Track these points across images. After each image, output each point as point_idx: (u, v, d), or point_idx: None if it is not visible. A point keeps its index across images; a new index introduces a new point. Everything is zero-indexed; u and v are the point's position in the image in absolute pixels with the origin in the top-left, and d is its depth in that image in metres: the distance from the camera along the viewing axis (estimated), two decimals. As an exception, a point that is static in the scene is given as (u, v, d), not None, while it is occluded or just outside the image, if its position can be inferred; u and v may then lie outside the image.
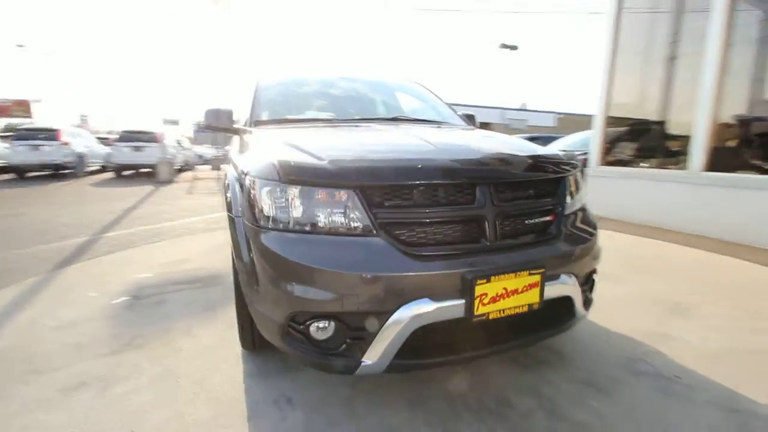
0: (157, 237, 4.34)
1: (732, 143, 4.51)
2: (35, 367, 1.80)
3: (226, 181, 1.95)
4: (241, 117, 2.58)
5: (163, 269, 3.16)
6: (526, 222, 1.46)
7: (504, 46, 25.31)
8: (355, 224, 1.29)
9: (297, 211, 1.32)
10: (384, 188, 1.31)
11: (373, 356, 1.24)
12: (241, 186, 1.56)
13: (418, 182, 1.33)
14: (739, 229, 3.91)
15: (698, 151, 4.24)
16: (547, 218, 1.52)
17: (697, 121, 4.25)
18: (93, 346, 1.98)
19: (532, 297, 1.35)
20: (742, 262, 3.33)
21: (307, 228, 1.31)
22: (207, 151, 26.70)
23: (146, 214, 5.76)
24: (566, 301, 1.48)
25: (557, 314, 1.51)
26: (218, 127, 2.39)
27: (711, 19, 4.11)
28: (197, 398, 1.56)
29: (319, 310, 1.26)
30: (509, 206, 1.41)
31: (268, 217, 1.36)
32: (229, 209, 1.66)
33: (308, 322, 1.28)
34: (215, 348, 1.94)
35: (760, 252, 3.57)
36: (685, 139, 4.86)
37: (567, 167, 1.64)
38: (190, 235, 4.43)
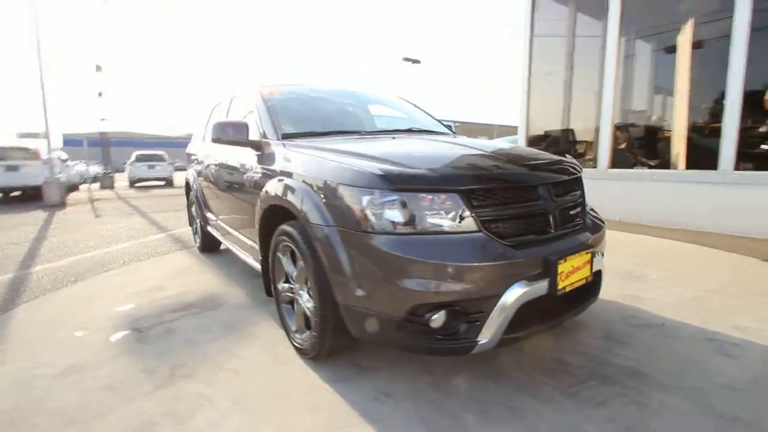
0: (101, 266, 3.81)
1: (622, 145, 5.67)
2: (70, 418, 1.57)
3: (270, 191, 1.95)
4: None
5: (142, 299, 2.85)
6: (570, 213, 1.80)
7: (407, 59, 26.93)
8: (461, 223, 1.47)
9: (406, 215, 1.45)
10: (480, 191, 1.52)
11: (487, 335, 1.44)
12: (325, 195, 1.61)
13: (503, 185, 1.58)
14: (637, 214, 4.95)
15: (604, 152, 5.25)
16: (579, 209, 1.88)
17: (601, 129, 5.26)
18: (128, 385, 1.78)
19: (587, 272, 1.68)
20: (647, 237, 4.27)
21: (418, 229, 1.45)
22: (93, 168, 23.35)
23: (64, 243, 4.94)
24: (597, 275, 1.86)
25: (592, 286, 1.87)
26: (235, 140, 2.31)
27: (607, 46, 5.14)
28: (296, 409, 1.56)
29: (440, 300, 1.41)
30: (560, 201, 1.74)
31: (375, 223, 1.46)
32: (309, 217, 1.66)
33: (428, 313, 1.42)
34: (274, 364, 1.91)
35: (655, 229, 4.61)
36: (589, 144, 5.93)
37: (580, 168, 2.05)
38: (138, 262, 3.98)
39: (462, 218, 1.47)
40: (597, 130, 5.46)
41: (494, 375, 1.73)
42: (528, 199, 1.62)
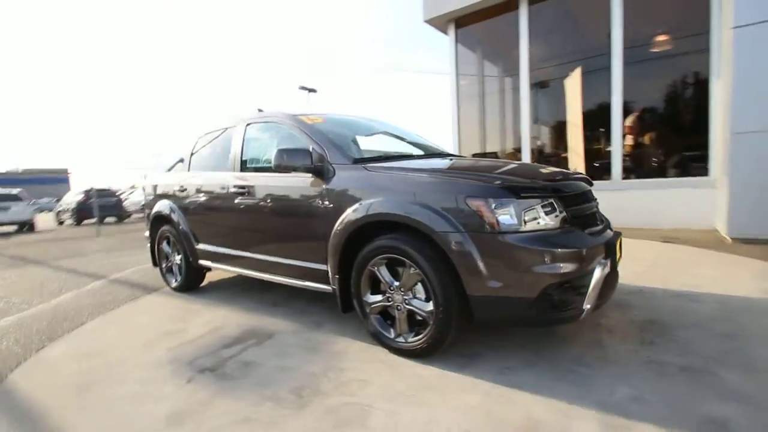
0: (67, 321, 3.23)
1: (534, 164, 6.96)
2: None
3: (364, 210, 2.15)
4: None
5: (170, 344, 2.59)
6: (597, 212, 2.42)
7: (303, 88, 27.31)
8: (562, 220, 1.93)
9: (527, 216, 1.86)
10: (564, 196, 2.01)
11: (589, 303, 1.90)
12: (450, 207, 1.91)
13: (572, 192, 2.10)
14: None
15: (526, 170, 6.41)
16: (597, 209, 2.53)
17: (523, 153, 6.43)
18: (266, 414, 1.75)
19: (620, 253, 2.30)
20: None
21: (536, 226, 1.86)
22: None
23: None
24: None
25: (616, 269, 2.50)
26: (302, 166, 2.40)
27: (521, 87, 6.36)
28: (450, 394, 1.78)
29: (564, 279, 1.83)
30: (595, 203, 2.34)
31: (505, 225, 1.83)
32: (434, 227, 1.92)
33: (554, 290, 1.82)
34: (388, 367, 2.06)
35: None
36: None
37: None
38: (112, 310, 3.47)
39: (561, 216, 1.94)
40: (515, 153, 6.63)
41: (562, 342, 2.21)
42: (584, 201, 2.18)
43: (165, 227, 3.85)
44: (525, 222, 1.85)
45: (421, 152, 3.17)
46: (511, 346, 2.20)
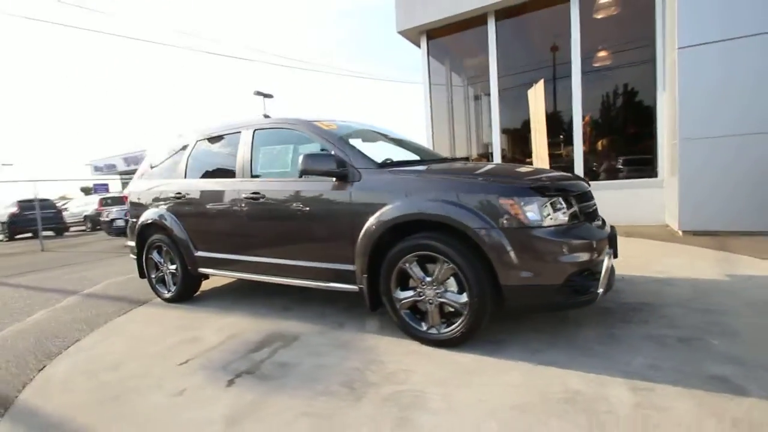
0: (58, 339, 3.02)
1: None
2: None
3: (395, 212, 2.28)
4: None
5: (192, 353, 2.55)
6: (595, 209, 2.73)
7: (258, 93, 26.68)
8: (572, 216, 2.18)
9: (551, 212, 2.09)
10: (575, 195, 2.28)
11: (602, 287, 2.16)
12: (483, 206, 2.10)
13: (580, 191, 2.37)
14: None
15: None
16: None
17: (494, 158, 6.84)
18: (326, 408, 1.81)
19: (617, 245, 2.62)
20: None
21: (558, 221, 2.10)
22: None
23: None
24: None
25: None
26: (328, 171, 2.48)
27: (492, 99, 6.78)
28: (497, 374, 1.95)
29: (584, 266, 2.08)
30: (594, 201, 2.65)
31: (533, 220, 2.04)
32: (470, 224, 2.09)
33: (576, 277, 2.06)
34: (425, 357, 2.19)
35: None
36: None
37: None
38: (105, 325, 3.29)
39: (570, 212, 2.19)
40: (487, 157, 7.04)
41: (572, 325, 2.48)
42: (587, 200, 2.47)
43: (156, 236, 3.71)
44: (545, 217, 2.09)
45: (422, 157, 3.34)
46: (529, 331, 2.42)
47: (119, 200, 17.06)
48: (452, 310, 2.27)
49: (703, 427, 1.48)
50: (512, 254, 2.05)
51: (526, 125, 6.96)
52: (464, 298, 2.18)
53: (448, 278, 2.24)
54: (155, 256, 3.78)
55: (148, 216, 3.75)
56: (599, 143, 6.92)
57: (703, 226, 4.59)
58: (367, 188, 2.48)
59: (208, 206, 3.32)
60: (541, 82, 6.53)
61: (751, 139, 4.19)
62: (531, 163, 7.03)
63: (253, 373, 2.19)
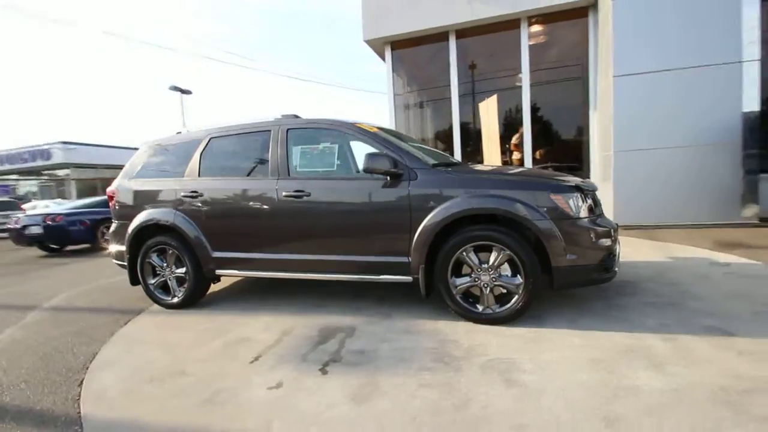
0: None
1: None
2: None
3: (457, 207, 2.58)
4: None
5: (252, 353, 2.52)
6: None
7: (175, 88, 24.47)
8: (589, 209, 2.68)
9: (587, 205, 2.57)
10: (592, 193, 2.80)
11: (617, 266, 2.70)
12: (537, 200, 2.49)
13: (593, 189, 2.91)
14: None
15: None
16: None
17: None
18: (435, 374, 2.02)
19: (609, 232, 3.24)
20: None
21: (587, 213, 2.58)
22: None
23: None
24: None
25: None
26: (384, 170, 2.66)
27: (453, 103, 7.38)
28: (559, 342, 2.34)
29: (612, 250, 2.58)
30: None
31: (576, 212, 2.50)
32: (528, 216, 2.47)
33: (607, 258, 2.56)
34: (486, 332, 2.50)
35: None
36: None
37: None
38: (115, 335, 3.00)
39: (588, 206, 2.70)
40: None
41: (583, 300, 3.02)
42: (596, 197, 3.03)
43: (159, 238, 3.45)
44: (581, 210, 2.57)
45: (441, 160, 3.66)
46: (554, 307, 2.88)
47: (10, 205, 14.40)
48: (504, 291, 2.63)
49: (723, 357, 2.04)
50: (562, 240, 2.48)
51: (479, 132, 7.72)
52: (518, 280, 2.55)
53: (503, 264, 2.59)
54: (155, 259, 3.51)
55: (148, 217, 3.46)
56: (537, 153, 7.95)
57: (633, 221, 5.66)
58: (425, 186, 2.72)
59: (232, 205, 3.23)
60: (495, 97, 7.34)
61: (672, 152, 5.34)
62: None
63: (339, 361, 2.29)
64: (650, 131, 5.43)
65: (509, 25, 6.90)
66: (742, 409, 1.63)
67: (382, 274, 2.87)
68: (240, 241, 3.25)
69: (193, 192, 3.33)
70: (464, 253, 2.64)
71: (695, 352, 2.11)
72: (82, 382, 2.28)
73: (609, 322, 2.58)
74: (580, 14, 6.57)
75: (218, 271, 3.34)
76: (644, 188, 5.49)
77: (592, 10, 6.40)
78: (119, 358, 2.58)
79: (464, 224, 2.67)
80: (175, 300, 3.47)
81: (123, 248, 3.65)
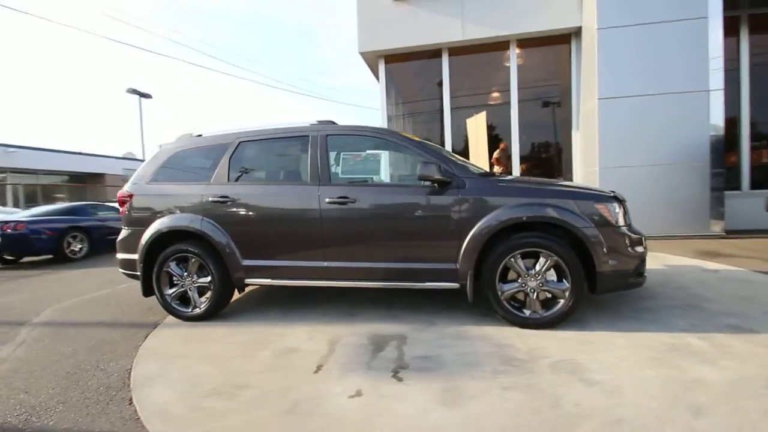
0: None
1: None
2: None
3: (510, 214, 2.69)
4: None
5: (311, 360, 2.45)
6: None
7: (134, 91, 23.12)
8: (625, 218, 2.90)
9: (622, 213, 2.76)
10: (623, 202, 3.02)
11: (645, 272, 2.92)
12: (583, 209, 2.65)
13: (623, 200, 3.14)
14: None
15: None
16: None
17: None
18: (509, 376, 2.07)
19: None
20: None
21: (626, 222, 2.79)
22: None
23: None
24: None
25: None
26: (436, 178, 2.72)
27: (445, 117, 7.62)
28: (631, 341, 2.48)
29: (644, 256, 2.79)
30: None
31: (616, 220, 2.69)
32: (576, 224, 2.62)
33: (640, 264, 2.76)
34: (538, 336, 2.60)
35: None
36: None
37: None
38: (140, 345, 2.78)
39: (626, 215, 2.92)
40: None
41: (608, 304, 3.22)
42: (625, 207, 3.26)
43: (180, 246, 3.26)
44: (624, 217, 2.77)
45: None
46: (591, 311, 3.04)
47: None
48: (548, 296, 2.75)
49: (759, 351, 2.26)
50: (605, 247, 2.65)
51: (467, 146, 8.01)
52: (565, 285, 2.68)
53: (549, 270, 2.72)
54: (173, 268, 3.30)
55: (170, 223, 3.27)
56: (521, 167, 8.37)
57: (618, 233, 6.11)
58: (474, 194, 2.81)
59: (268, 211, 3.14)
60: (483, 114, 7.67)
61: (652, 169, 5.85)
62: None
63: (407, 368, 2.28)
64: (633, 150, 5.93)
65: (499, 46, 7.30)
66: None
67: (428, 281, 2.90)
68: (275, 249, 3.15)
69: (223, 197, 3.20)
70: (512, 260, 2.74)
71: (733, 348, 2.33)
72: (131, 400, 2.10)
73: (644, 323, 2.77)
74: (563, 40, 7.10)
75: (248, 280, 3.21)
76: (629, 203, 5.95)
77: (574, 37, 6.93)
78: (162, 373, 2.40)
79: (509, 232, 2.78)
80: (197, 311, 3.28)
81: (133, 257, 3.41)
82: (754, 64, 6.52)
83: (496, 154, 7.99)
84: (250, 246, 3.18)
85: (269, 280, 3.19)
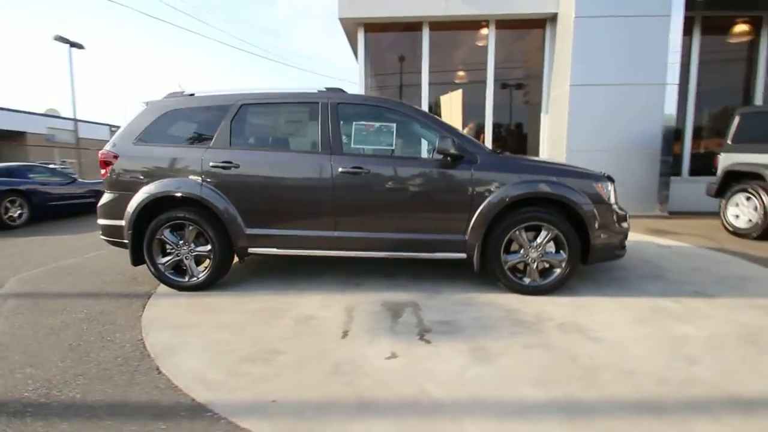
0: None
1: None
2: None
3: (521, 190, 2.86)
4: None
5: (335, 326, 2.49)
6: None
7: (62, 39, 20.31)
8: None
9: (613, 193, 3.04)
10: (612, 183, 3.31)
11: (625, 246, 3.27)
12: (583, 188, 2.88)
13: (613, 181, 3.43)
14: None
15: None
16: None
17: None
18: (515, 338, 2.27)
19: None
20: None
21: (616, 199, 3.07)
22: None
23: None
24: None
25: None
26: (452, 153, 2.80)
27: (422, 92, 7.63)
28: (625, 304, 2.78)
29: (627, 232, 3.11)
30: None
31: (609, 199, 2.96)
32: (577, 201, 2.85)
33: (624, 238, 3.08)
34: (548, 301, 2.84)
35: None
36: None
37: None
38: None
39: (615, 195, 3.22)
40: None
41: (595, 273, 3.57)
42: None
43: (175, 212, 3.08)
44: (611, 197, 3.05)
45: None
46: (577, 279, 3.35)
47: None
48: (546, 266, 3.00)
49: (721, 312, 2.66)
50: (599, 222, 2.92)
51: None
52: (562, 255, 2.94)
53: (549, 242, 2.95)
54: (168, 236, 3.13)
55: (165, 188, 3.07)
56: (492, 146, 8.69)
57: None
58: (485, 169, 2.93)
59: (275, 179, 3.05)
60: (459, 92, 7.79)
61: (616, 154, 6.36)
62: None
63: (431, 331, 2.41)
64: (599, 136, 6.40)
65: (479, 25, 7.38)
66: (760, 344, 2.21)
67: (439, 251, 3.02)
68: (282, 217, 3.09)
69: (226, 163, 3.05)
70: (517, 232, 2.93)
71: (701, 310, 2.71)
72: (158, 369, 2.03)
73: (624, 289, 3.12)
74: (539, 25, 7.33)
75: (251, 249, 3.13)
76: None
77: (550, 23, 7.19)
78: (181, 342, 2.32)
79: (514, 207, 2.96)
80: (194, 281, 3.16)
81: (119, 223, 3.18)
82: (702, 62, 7.21)
83: (464, 131, 8.23)
84: (254, 214, 3.08)
85: (274, 249, 3.14)
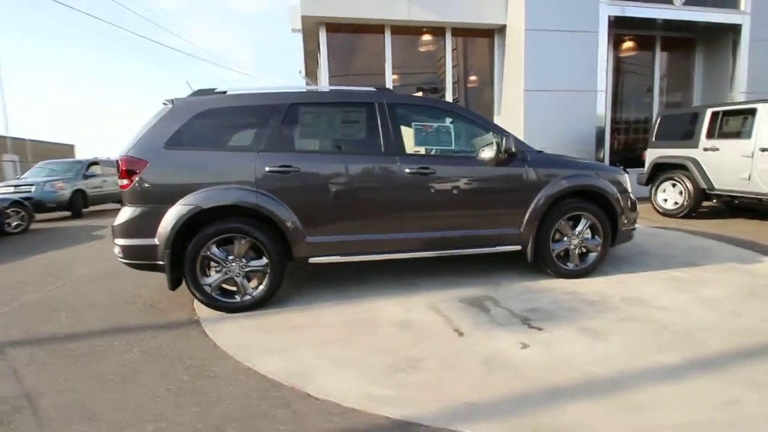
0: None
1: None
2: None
3: (573, 182, 3.20)
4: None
5: (433, 327, 2.50)
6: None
7: None
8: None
9: (629, 183, 3.56)
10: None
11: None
12: (612, 180, 3.32)
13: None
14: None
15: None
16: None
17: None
18: (602, 315, 2.58)
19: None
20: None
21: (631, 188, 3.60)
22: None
23: None
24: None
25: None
26: (512, 152, 3.00)
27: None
28: (657, 277, 3.24)
29: (638, 214, 3.66)
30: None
31: (628, 188, 3.46)
32: (609, 191, 3.27)
33: (635, 222, 3.62)
34: (594, 282, 3.20)
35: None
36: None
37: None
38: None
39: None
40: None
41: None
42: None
43: (225, 225, 2.75)
44: (629, 187, 3.56)
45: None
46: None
47: None
48: (583, 251, 3.39)
49: (714, 276, 3.32)
50: (624, 209, 3.40)
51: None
52: (598, 240, 3.36)
53: (587, 229, 3.34)
54: (215, 252, 2.77)
55: (213, 197, 2.71)
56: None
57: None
58: (536, 166, 3.20)
59: (340, 183, 2.91)
60: (420, 94, 8.10)
61: (568, 150, 7.25)
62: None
63: (531, 320, 2.58)
64: (550, 135, 7.22)
65: (437, 31, 7.76)
66: (762, 298, 2.84)
67: (498, 245, 3.21)
68: (347, 223, 2.96)
69: (284, 167, 2.81)
70: (563, 222, 3.27)
71: (704, 276, 3.35)
72: (309, 394, 1.84)
73: (635, 266, 3.68)
74: (488, 35, 7.99)
75: (313, 259, 2.94)
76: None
77: (498, 33, 7.89)
78: (304, 365, 2.11)
79: (557, 200, 3.29)
80: (248, 300, 2.86)
81: (147, 242, 2.72)
82: (614, 70, 8.62)
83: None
84: (317, 221, 2.90)
85: (337, 257, 2.99)
